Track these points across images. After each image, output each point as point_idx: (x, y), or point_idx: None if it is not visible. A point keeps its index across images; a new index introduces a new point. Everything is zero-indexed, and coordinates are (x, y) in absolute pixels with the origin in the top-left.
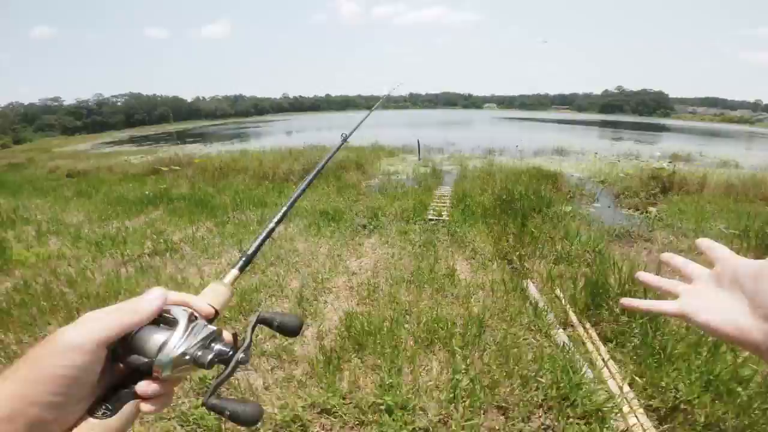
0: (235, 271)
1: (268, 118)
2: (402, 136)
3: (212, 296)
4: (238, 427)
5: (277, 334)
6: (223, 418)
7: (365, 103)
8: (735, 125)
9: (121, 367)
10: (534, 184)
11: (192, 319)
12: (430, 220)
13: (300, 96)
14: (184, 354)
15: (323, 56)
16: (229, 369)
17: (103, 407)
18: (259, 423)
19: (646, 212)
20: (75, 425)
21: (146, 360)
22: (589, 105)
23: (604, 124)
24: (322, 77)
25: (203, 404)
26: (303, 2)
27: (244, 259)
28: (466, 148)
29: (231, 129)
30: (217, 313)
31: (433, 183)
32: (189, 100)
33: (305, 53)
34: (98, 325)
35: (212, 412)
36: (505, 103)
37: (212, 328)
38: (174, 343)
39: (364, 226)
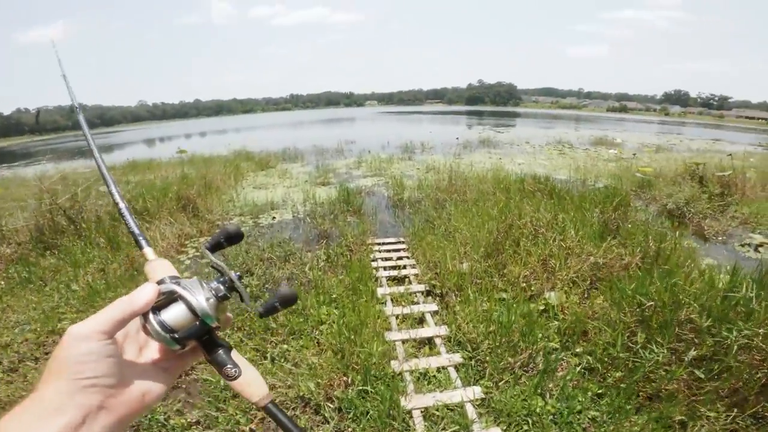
0: (147, 249)
1: (120, 129)
2: (283, 138)
3: (168, 266)
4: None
5: None
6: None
7: (241, 108)
8: (567, 110)
9: (191, 349)
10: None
11: (179, 283)
12: None
13: (162, 103)
14: (209, 299)
15: (190, 60)
16: (239, 284)
17: (228, 368)
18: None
19: None
20: (136, 402)
21: (196, 325)
22: (457, 98)
23: (469, 113)
24: (192, 82)
25: (260, 316)
26: (165, 4)
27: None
28: (372, 147)
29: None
30: None
31: (357, 233)
32: (5, 113)
33: (169, 58)
34: (98, 316)
35: (268, 316)
36: (385, 99)
37: (194, 278)
38: (196, 300)
39: None
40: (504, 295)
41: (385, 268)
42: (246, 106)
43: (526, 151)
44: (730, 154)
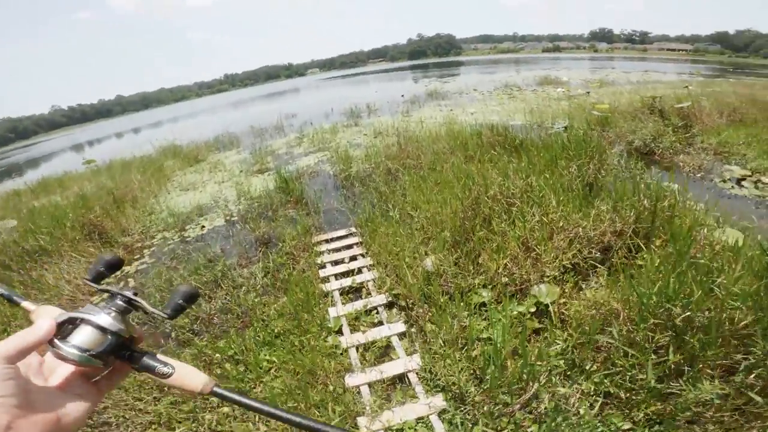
0: (25, 303)
1: (39, 140)
2: (219, 121)
3: (55, 309)
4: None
5: None
6: None
7: (172, 96)
8: (506, 55)
9: (117, 362)
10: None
11: (76, 311)
12: None
13: (79, 105)
14: (110, 314)
15: (100, 57)
16: (134, 298)
17: (159, 368)
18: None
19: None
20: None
21: (109, 339)
22: (400, 54)
23: (414, 68)
24: (110, 79)
25: (170, 318)
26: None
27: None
28: (315, 118)
29: None
30: None
31: (298, 232)
32: None
33: (75, 57)
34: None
35: (178, 316)
36: (327, 65)
37: (87, 304)
38: (99, 318)
39: None
40: (484, 295)
41: (336, 276)
42: (177, 95)
43: (476, 99)
44: (687, 86)
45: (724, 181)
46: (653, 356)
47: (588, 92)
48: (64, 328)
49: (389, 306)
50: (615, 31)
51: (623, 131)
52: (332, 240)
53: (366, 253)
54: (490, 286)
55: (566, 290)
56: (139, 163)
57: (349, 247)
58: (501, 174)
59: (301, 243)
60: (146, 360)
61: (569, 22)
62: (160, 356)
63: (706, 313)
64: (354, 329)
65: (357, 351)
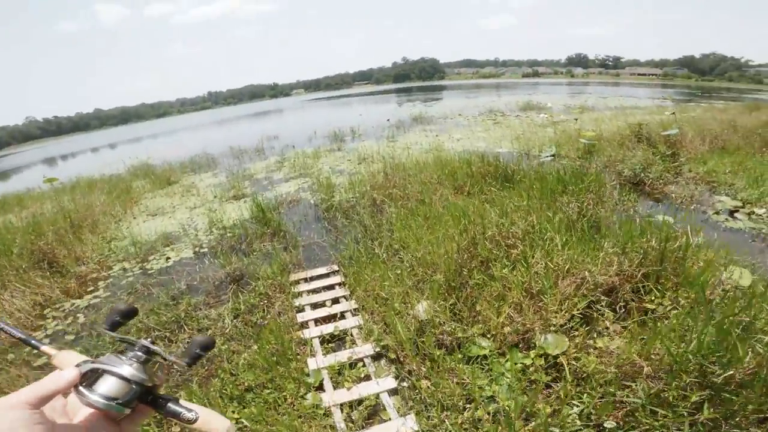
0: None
1: (9, 152)
2: (197, 142)
3: (76, 355)
4: None
5: None
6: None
7: (153, 112)
8: (487, 79)
9: (138, 409)
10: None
11: (98, 361)
12: None
13: (55, 117)
14: (132, 365)
15: (83, 68)
16: (153, 347)
17: (184, 413)
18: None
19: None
20: None
21: (134, 389)
22: (385, 77)
23: (398, 91)
24: (90, 91)
25: (188, 366)
26: (45, 11)
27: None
28: (297, 140)
29: None
30: None
31: (274, 270)
32: None
33: (56, 67)
34: (22, 391)
35: (195, 363)
36: (312, 86)
37: (108, 354)
38: (121, 369)
39: None
40: (484, 346)
41: (316, 322)
42: (158, 110)
43: (461, 124)
44: (673, 112)
45: (717, 213)
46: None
47: (576, 119)
48: (88, 376)
49: (377, 357)
50: (590, 56)
51: (612, 160)
52: (312, 279)
53: (350, 295)
54: (489, 336)
55: (577, 341)
56: (106, 182)
57: (331, 287)
58: (498, 211)
59: (276, 282)
60: (171, 406)
61: (548, 47)
62: (182, 402)
63: (746, 368)
64: (337, 385)
65: (341, 411)
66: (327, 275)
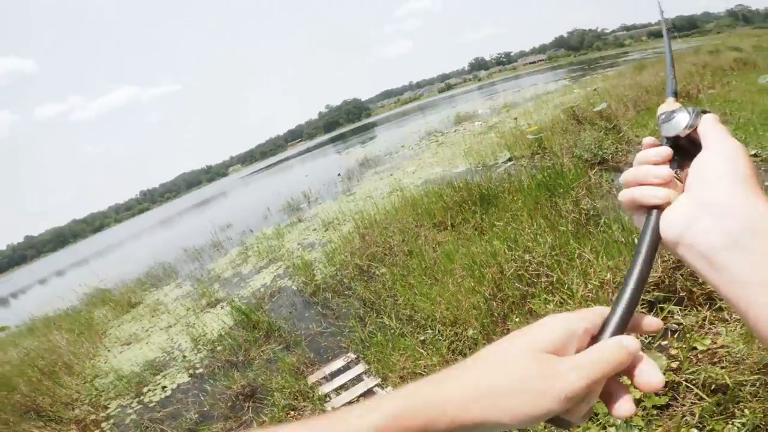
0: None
1: None
2: (146, 251)
3: None
4: None
5: None
6: None
7: (88, 227)
8: (410, 105)
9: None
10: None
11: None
12: None
13: None
14: None
15: None
16: None
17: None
18: None
19: None
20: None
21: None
22: (315, 130)
23: (333, 140)
24: (8, 218)
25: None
26: None
27: None
28: (253, 223)
29: None
30: None
31: (287, 378)
32: None
33: None
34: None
35: None
36: (247, 159)
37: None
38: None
39: None
40: None
41: None
42: (93, 224)
43: (408, 156)
44: (596, 89)
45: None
46: None
47: (515, 118)
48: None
49: None
50: (486, 57)
51: (564, 147)
52: (333, 375)
53: (383, 382)
54: None
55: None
56: (64, 318)
57: (358, 379)
58: (505, 241)
59: (294, 388)
60: None
61: (449, 57)
62: None
63: None
64: None
65: None
66: (348, 367)
